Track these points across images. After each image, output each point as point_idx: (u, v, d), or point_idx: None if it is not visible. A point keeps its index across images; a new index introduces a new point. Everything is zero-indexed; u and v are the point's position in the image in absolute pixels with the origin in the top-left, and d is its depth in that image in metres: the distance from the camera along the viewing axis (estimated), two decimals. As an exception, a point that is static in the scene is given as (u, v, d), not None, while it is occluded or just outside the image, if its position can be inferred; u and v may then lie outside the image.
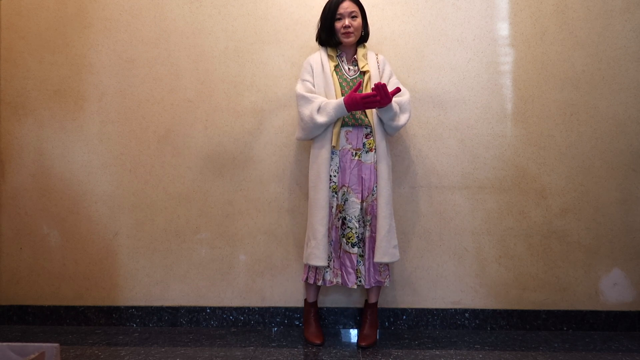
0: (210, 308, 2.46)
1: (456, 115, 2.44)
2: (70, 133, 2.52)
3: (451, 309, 2.42)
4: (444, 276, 2.43)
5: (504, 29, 2.45)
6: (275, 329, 2.44)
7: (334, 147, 2.14)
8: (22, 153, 2.53)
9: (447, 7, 2.45)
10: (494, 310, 2.41)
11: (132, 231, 2.50)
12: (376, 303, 2.28)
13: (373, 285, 2.18)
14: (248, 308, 2.46)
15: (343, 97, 2.07)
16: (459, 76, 2.44)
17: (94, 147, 2.52)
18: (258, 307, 2.46)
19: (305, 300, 2.33)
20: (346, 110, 2.07)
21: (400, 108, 2.15)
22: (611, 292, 2.40)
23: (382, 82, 2.19)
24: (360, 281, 2.16)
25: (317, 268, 2.16)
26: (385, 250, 2.10)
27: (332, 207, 2.15)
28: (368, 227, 2.16)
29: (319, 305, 2.40)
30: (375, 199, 2.14)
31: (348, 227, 2.15)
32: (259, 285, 2.47)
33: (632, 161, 2.41)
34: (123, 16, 2.52)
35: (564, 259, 2.41)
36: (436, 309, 2.42)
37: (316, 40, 2.27)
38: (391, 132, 2.21)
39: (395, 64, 2.44)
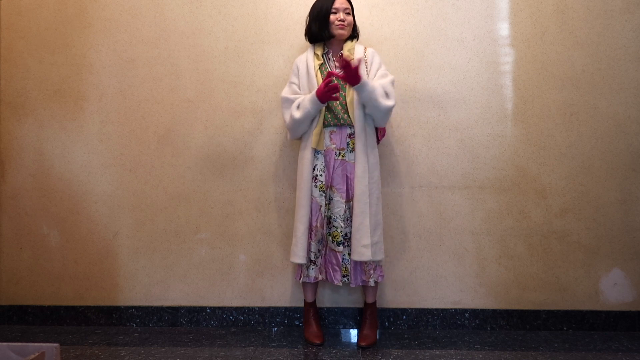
0: (210, 308, 2.46)
1: (456, 115, 2.44)
2: (70, 133, 2.52)
3: (451, 309, 2.41)
4: (444, 276, 2.43)
5: (504, 29, 2.45)
6: (275, 329, 2.44)
7: (314, 148, 2.15)
8: (22, 153, 2.53)
9: (447, 7, 2.45)
10: (494, 310, 2.41)
11: (132, 231, 2.50)
12: (374, 303, 2.28)
13: (359, 284, 2.18)
14: (248, 308, 2.46)
15: (316, 89, 2.08)
16: (459, 76, 2.44)
17: (94, 147, 2.52)
18: (258, 307, 2.46)
19: (304, 300, 2.33)
20: (319, 101, 2.07)
21: (385, 91, 2.11)
22: (611, 292, 2.40)
23: (370, 74, 2.18)
24: (346, 279, 2.17)
25: (301, 265, 2.18)
26: (354, 248, 2.10)
27: (321, 205, 2.16)
28: None
29: (319, 305, 2.40)
30: None
31: (334, 226, 2.17)
32: (259, 285, 2.47)
33: (632, 161, 2.41)
34: (123, 16, 2.52)
35: (564, 259, 2.41)
36: (436, 309, 2.42)
37: (305, 36, 2.28)
38: (379, 119, 2.15)
39: (395, 64, 2.44)
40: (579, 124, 2.42)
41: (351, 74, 2.01)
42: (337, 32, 2.18)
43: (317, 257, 2.19)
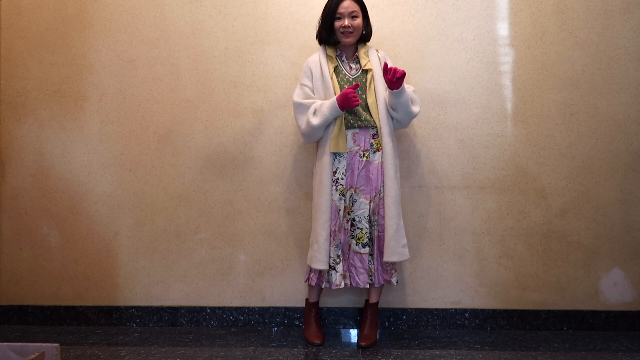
0: (210, 308, 2.46)
1: (456, 115, 2.44)
2: (70, 133, 2.52)
3: (451, 309, 2.42)
4: (444, 276, 2.43)
5: (504, 29, 2.45)
6: (275, 329, 2.44)
7: (334, 152, 2.12)
8: (22, 153, 2.53)
9: (447, 7, 2.45)
10: (494, 310, 2.41)
11: (132, 231, 2.50)
12: (377, 303, 2.28)
13: (382, 283, 2.19)
14: (248, 308, 2.46)
15: (336, 96, 2.06)
16: (459, 76, 2.44)
17: (94, 147, 2.52)
18: (258, 307, 2.46)
19: (307, 300, 2.33)
20: (339, 109, 2.05)
21: (411, 99, 2.15)
22: (611, 292, 2.40)
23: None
24: (371, 279, 2.17)
25: (320, 271, 2.16)
26: (394, 250, 2.09)
27: (340, 209, 2.14)
28: (376, 227, 2.16)
29: (320, 305, 2.40)
30: (382, 198, 2.13)
31: (358, 228, 2.15)
32: (259, 285, 2.47)
33: (632, 161, 2.41)
34: (123, 16, 2.52)
35: (564, 259, 2.41)
36: (436, 309, 2.42)
37: (316, 38, 2.25)
38: (405, 122, 2.19)
39: (396, 64, 2.43)
40: (579, 124, 2.42)
41: (398, 79, 1.99)
42: (343, 40, 2.15)
43: (338, 263, 2.15)
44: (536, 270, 2.42)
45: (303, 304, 2.42)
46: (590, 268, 2.41)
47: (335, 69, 2.19)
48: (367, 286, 2.17)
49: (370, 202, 2.15)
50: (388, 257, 2.09)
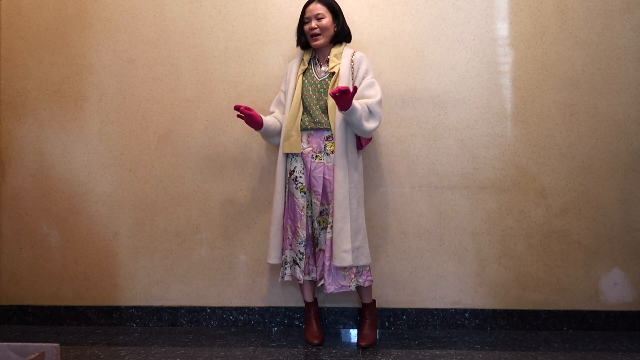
0: (210, 308, 2.46)
1: (456, 115, 2.44)
2: (70, 133, 2.52)
3: (451, 309, 2.41)
4: (444, 276, 2.43)
5: (504, 29, 2.44)
6: (275, 329, 2.44)
7: (286, 152, 2.17)
8: (22, 153, 2.53)
9: (447, 7, 2.45)
10: (494, 310, 2.41)
11: (132, 231, 2.50)
12: (372, 303, 2.27)
13: (337, 289, 2.09)
14: (248, 308, 2.46)
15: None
16: (459, 76, 2.44)
17: (94, 147, 2.52)
18: (258, 307, 2.46)
19: (304, 300, 2.33)
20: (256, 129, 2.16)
21: (370, 111, 2.06)
22: (611, 292, 2.40)
23: (356, 81, 2.13)
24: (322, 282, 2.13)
25: (282, 266, 2.19)
26: (335, 254, 2.05)
27: (303, 207, 2.16)
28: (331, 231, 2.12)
29: (320, 305, 2.40)
30: None
31: (313, 227, 2.17)
32: (259, 285, 2.47)
33: (632, 161, 2.41)
34: (123, 16, 2.52)
35: (564, 259, 2.41)
36: (436, 309, 2.42)
37: (297, 45, 2.27)
38: (361, 135, 2.12)
39: (395, 64, 2.44)
40: (579, 124, 2.42)
41: (344, 101, 1.91)
42: (311, 42, 2.17)
43: (301, 260, 2.16)
44: (536, 270, 2.42)
45: (303, 304, 2.42)
46: (590, 268, 2.41)
47: (305, 72, 2.20)
48: (318, 285, 2.16)
49: (327, 204, 2.13)
50: (333, 261, 2.06)
